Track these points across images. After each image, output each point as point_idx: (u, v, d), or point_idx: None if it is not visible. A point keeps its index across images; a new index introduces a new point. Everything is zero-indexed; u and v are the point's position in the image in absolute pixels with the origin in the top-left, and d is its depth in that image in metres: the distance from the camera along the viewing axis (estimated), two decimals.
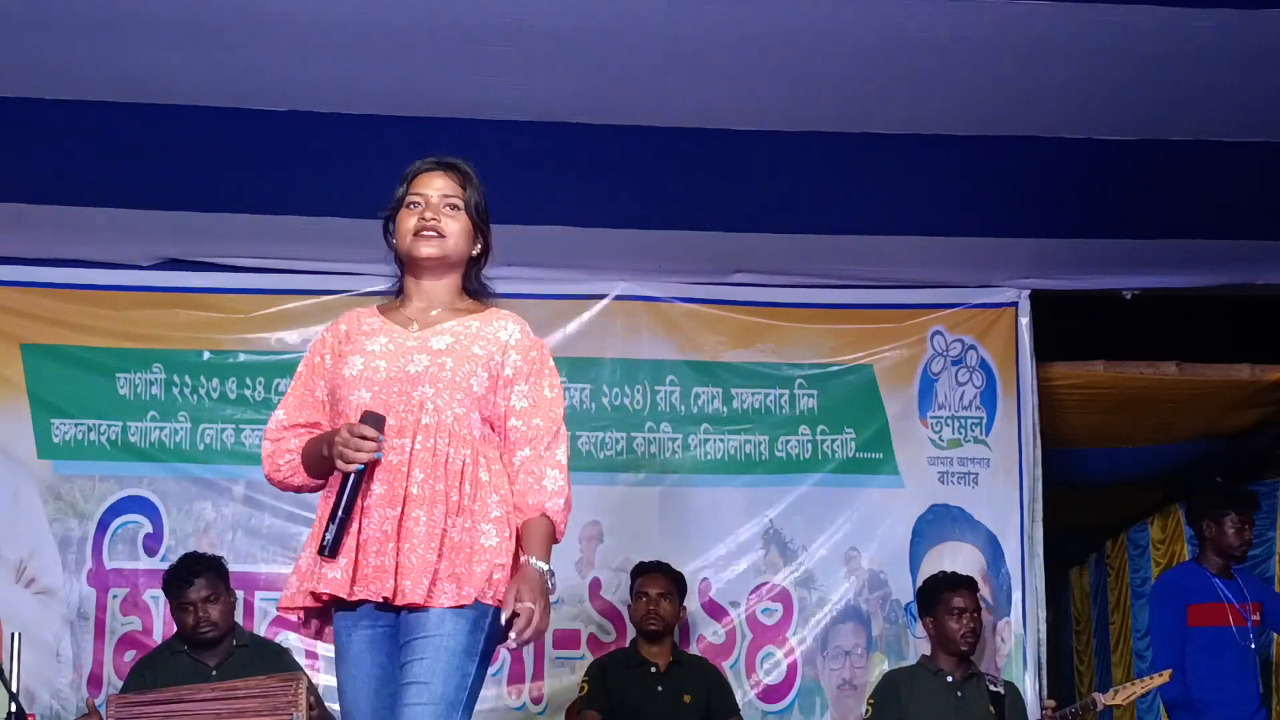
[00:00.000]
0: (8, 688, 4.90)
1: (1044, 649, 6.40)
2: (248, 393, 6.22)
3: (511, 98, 5.01)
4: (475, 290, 3.34)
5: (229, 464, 6.18)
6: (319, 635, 3.32)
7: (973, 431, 6.49)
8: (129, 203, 5.65)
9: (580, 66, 4.83)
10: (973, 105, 5.09)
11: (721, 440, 6.41)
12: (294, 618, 3.31)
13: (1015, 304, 6.53)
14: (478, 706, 3.21)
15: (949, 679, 5.57)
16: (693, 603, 6.21)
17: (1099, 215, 5.91)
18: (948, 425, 6.48)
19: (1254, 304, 6.76)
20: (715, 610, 6.34)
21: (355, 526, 3.09)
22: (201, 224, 5.85)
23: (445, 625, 3.07)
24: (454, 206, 3.30)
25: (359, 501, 3.08)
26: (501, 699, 6.11)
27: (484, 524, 3.12)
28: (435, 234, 3.25)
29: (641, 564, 5.86)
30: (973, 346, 6.54)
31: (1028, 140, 5.31)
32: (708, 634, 6.29)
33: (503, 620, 3.05)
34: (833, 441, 6.44)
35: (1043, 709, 5.85)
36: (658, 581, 5.76)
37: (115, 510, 6.13)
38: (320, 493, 3.29)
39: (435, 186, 3.31)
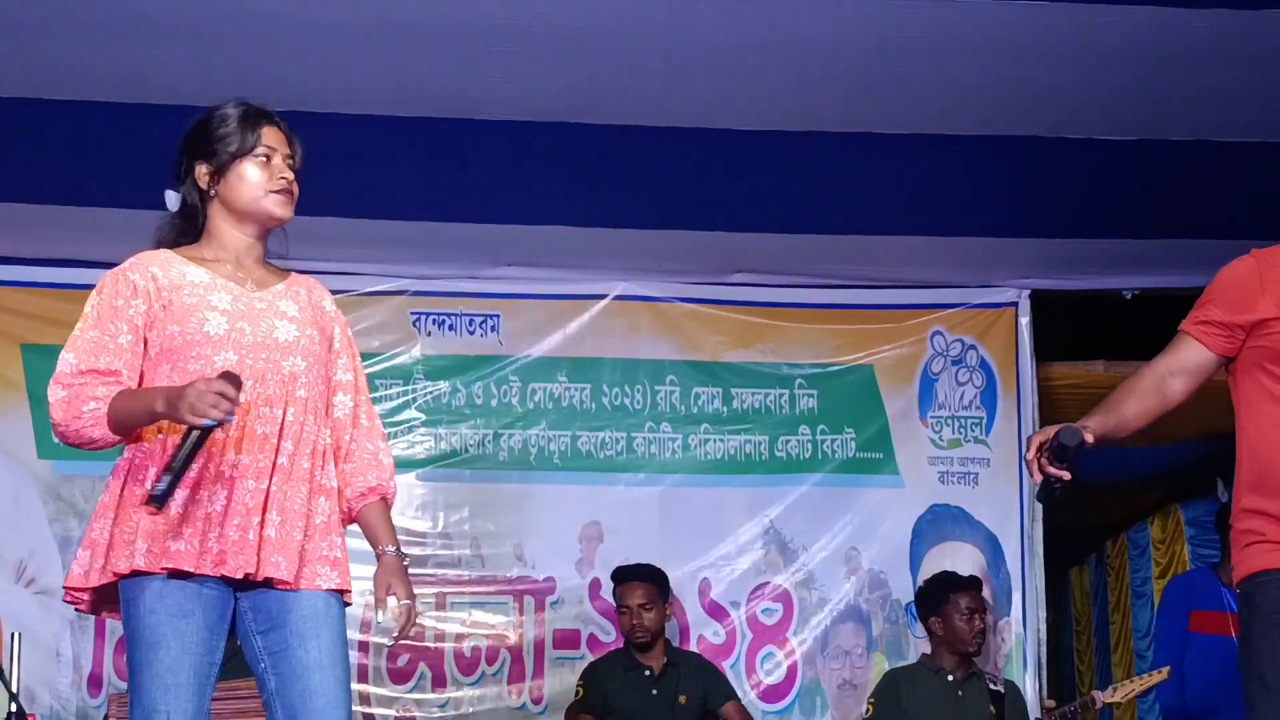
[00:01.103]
0: (8, 688, 4.90)
1: (1044, 649, 6.40)
2: None
3: (511, 98, 5.01)
4: (274, 252, 3.22)
5: None
6: (94, 610, 3.08)
7: (973, 431, 6.49)
8: (129, 203, 5.62)
9: (580, 66, 4.83)
10: (973, 105, 5.09)
11: (721, 440, 6.41)
12: (85, 597, 3.02)
13: (1015, 304, 6.53)
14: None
15: (949, 678, 5.57)
16: (693, 603, 6.21)
17: (1099, 215, 5.90)
18: (948, 425, 6.48)
19: None
20: (715, 610, 6.34)
21: (207, 494, 2.91)
22: None
23: (334, 609, 2.99)
24: (292, 166, 3.16)
25: (193, 465, 2.87)
26: (501, 699, 6.11)
27: (333, 506, 3.06)
28: (291, 195, 3.12)
29: (619, 570, 5.81)
30: (973, 346, 6.54)
31: (1028, 140, 5.31)
32: (708, 634, 6.28)
33: (379, 617, 2.95)
34: (833, 441, 6.44)
35: (1043, 708, 5.85)
36: (636, 591, 5.70)
37: None
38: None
39: (280, 140, 3.14)
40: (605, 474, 6.34)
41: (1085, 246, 6.17)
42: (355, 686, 6.04)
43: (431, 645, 6.06)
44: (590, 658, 6.01)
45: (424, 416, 6.28)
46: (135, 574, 2.91)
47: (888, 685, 5.63)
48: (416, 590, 3.20)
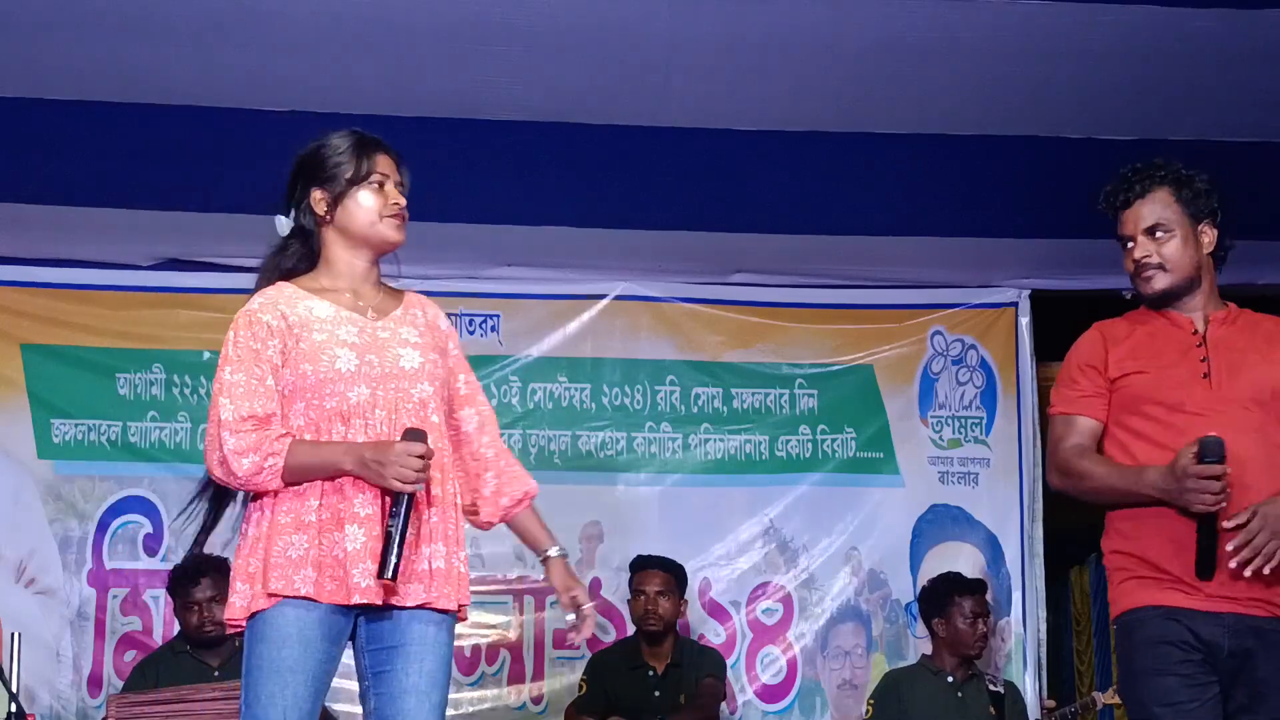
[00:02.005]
0: (8, 688, 4.90)
1: (1044, 649, 6.40)
2: None
3: (511, 98, 5.01)
4: (386, 272, 3.32)
5: None
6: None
7: (973, 431, 6.49)
8: (129, 203, 5.65)
9: (580, 66, 4.83)
10: (973, 105, 5.10)
11: (721, 440, 6.41)
12: (243, 624, 3.09)
13: (1015, 304, 6.53)
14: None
15: (949, 679, 5.57)
16: (693, 603, 6.21)
17: (1099, 215, 5.88)
18: (948, 425, 6.48)
19: (1254, 304, 6.74)
20: (716, 610, 6.34)
21: (360, 536, 3.00)
22: (201, 224, 5.85)
23: (444, 634, 3.09)
24: (403, 191, 3.26)
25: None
26: (501, 699, 6.11)
27: (460, 519, 3.17)
28: (404, 219, 3.22)
29: (639, 558, 5.81)
30: (973, 346, 6.54)
31: (1028, 140, 5.32)
32: (708, 634, 6.28)
33: (568, 620, 3.20)
34: (833, 441, 6.44)
35: (1043, 709, 5.85)
36: (655, 578, 5.71)
37: (115, 510, 6.13)
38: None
39: (391, 167, 3.25)
40: (605, 474, 6.34)
41: (1085, 246, 6.15)
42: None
43: None
44: (589, 658, 6.01)
45: None
46: (272, 595, 3.00)
47: (888, 686, 5.63)
48: None
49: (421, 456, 2.92)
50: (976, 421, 6.50)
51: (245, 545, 3.07)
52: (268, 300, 3.16)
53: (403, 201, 3.21)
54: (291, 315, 3.11)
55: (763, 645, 6.33)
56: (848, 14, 4.54)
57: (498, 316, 6.35)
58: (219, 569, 5.36)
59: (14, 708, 4.85)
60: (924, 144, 5.32)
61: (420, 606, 3.04)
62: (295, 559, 2.99)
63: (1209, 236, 3.62)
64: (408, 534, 2.98)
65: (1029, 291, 6.51)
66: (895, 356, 6.52)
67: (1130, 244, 3.60)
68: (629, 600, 5.83)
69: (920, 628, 5.84)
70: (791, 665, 6.32)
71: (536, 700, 6.16)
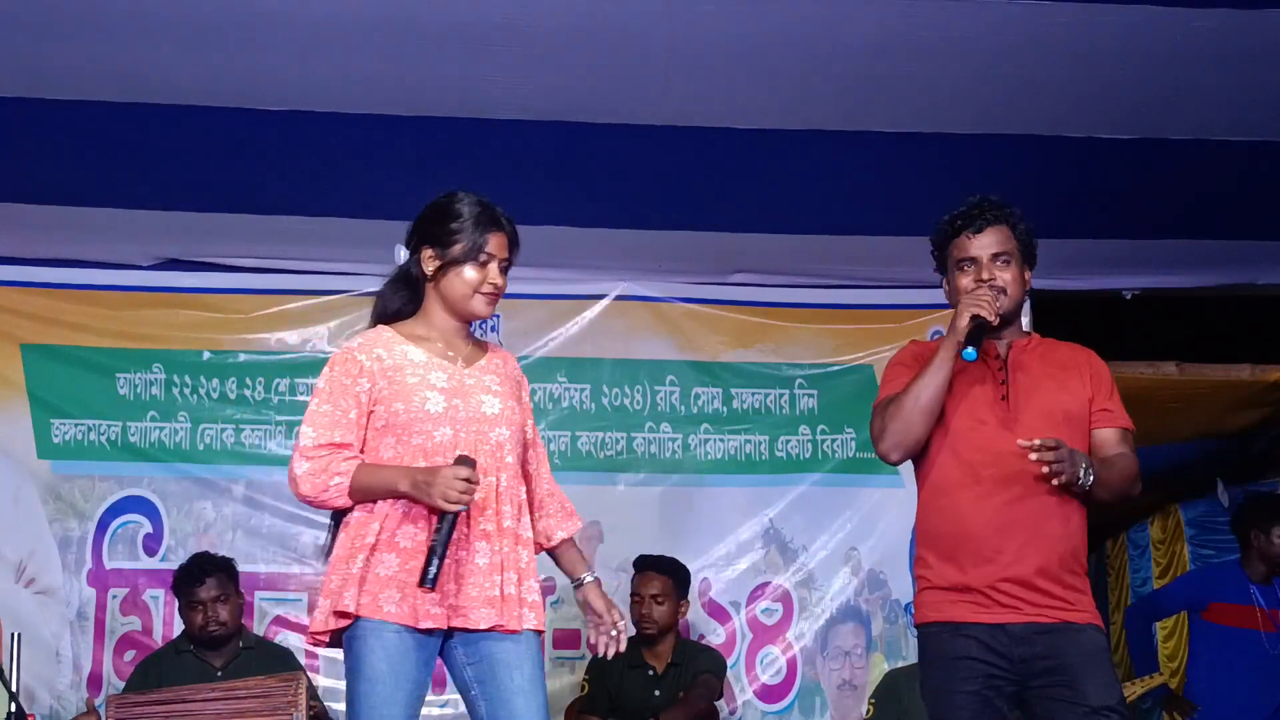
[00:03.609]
0: (8, 688, 4.90)
1: None
2: (247, 393, 6.23)
3: (511, 98, 5.01)
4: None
5: (229, 464, 6.18)
6: (333, 645, 3.43)
7: None
8: (129, 203, 5.65)
9: (580, 66, 4.83)
10: (972, 105, 5.10)
11: (721, 440, 6.41)
12: (325, 638, 3.41)
13: None
14: None
15: None
16: (693, 603, 6.21)
17: (1099, 215, 5.90)
18: None
19: (1254, 304, 6.76)
20: (716, 610, 6.34)
21: (450, 559, 3.29)
22: (201, 224, 5.85)
23: (533, 647, 3.40)
24: (506, 269, 3.50)
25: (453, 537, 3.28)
26: None
27: (531, 554, 3.49)
28: (497, 298, 3.48)
29: (641, 558, 5.81)
30: None
31: (1028, 140, 5.31)
32: (708, 634, 6.28)
33: (611, 635, 3.51)
34: (833, 441, 6.45)
35: None
36: (653, 582, 5.71)
37: (115, 510, 6.13)
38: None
39: (501, 246, 3.46)
40: (605, 474, 6.34)
41: (1085, 246, 6.16)
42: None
43: None
44: (590, 657, 6.01)
45: None
46: (361, 617, 3.30)
47: (889, 685, 5.63)
48: None
49: (467, 480, 3.20)
50: None
51: (331, 564, 3.38)
52: (366, 342, 3.46)
53: (500, 282, 3.46)
54: (387, 359, 3.42)
55: (762, 645, 6.33)
56: (847, 14, 4.54)
57: (498, 317, 6.35)
58: (224, 569, 5.40)
59: (14, 708, 4.86)
60: (924, 143, 5.32)
61: (492, 629, 3.33)
62: (384, 578, 3.30)
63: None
64: (452, 552, 3.27)
65: (1029, 291, 6.49)
66: None
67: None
68: (629, 602, 5.83)
69: None
70: (791, 665, 6.32)
71: None
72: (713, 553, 6.33)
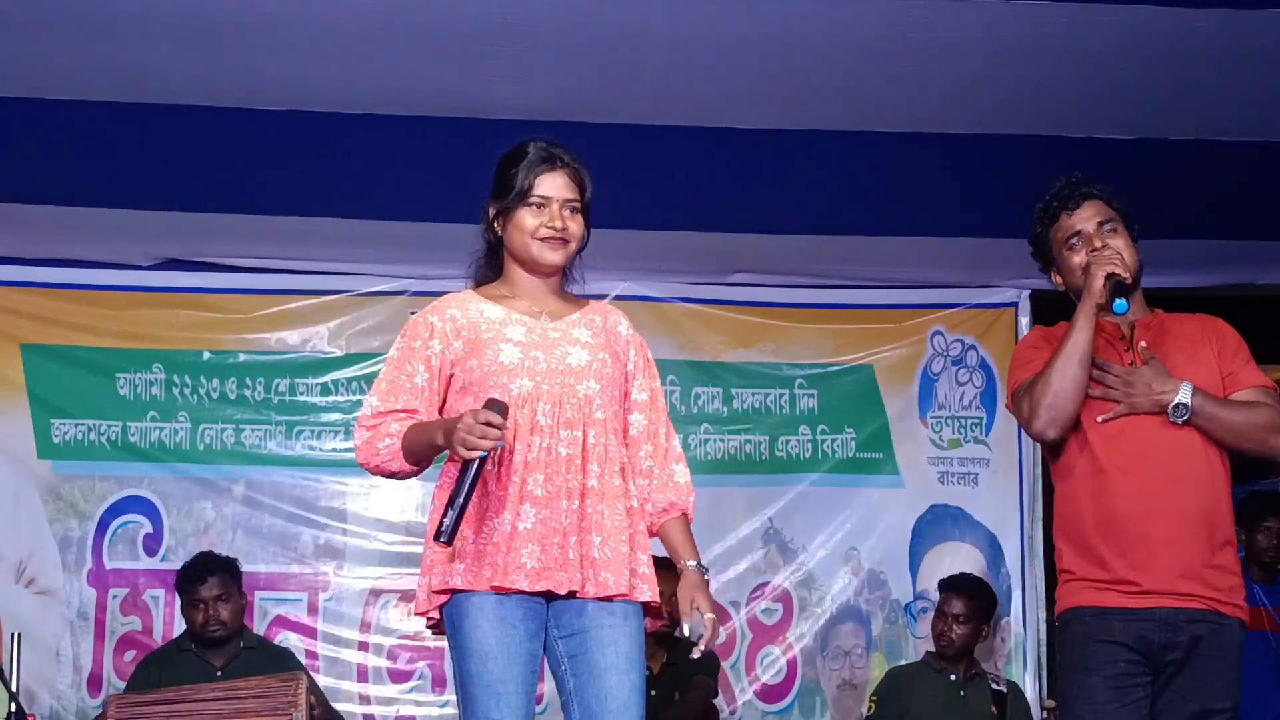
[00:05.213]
0: (8, 688, 4.90)
1: (1044, 649, 6.40)
2: (248, 393, 6.22)
3: (511, 98, 5.01)
4: (569, 280, 3.39)
5: (229, 464, 6.18)
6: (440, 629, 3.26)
7: (973, 432, 6.49)
8: (129, 203, 5.65)
9: (580, 66, 4.83)
10: (972, 104, 5.10)
11: (721, 440, 6.41)
12: (436, 617, 3.22)
13: (1015, 304, 6.53)
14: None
15: (952, 677, 5.57)
16: None
17: None
18: (948, 425, 6.49)
19: (1254, 304, 6.75)
20: (715, 610, 6.32)
21: (529, 517, 3.07)
22: (201, 224, 5.85)
23: (633, 620, 3.17)
24: (574, 210, 3.30)
25: (478, 489, 3.04)
26: None
27: (641, 521, 3.24)
28: (561, 241, 3.26)
29: None
30: (973, 346, 6.54)
31: (1028, 140, 5.31)
32: None
33: (685, 631, 3.25)
34: (833, 441, 6.44)
35: (1044, 710, 5.84)
36: None
37: (115, 510, 6.13)
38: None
39: (557, 187, 3.28)
40: None
41: None
42: (354, 686, 6.05)
43: (431, 645, 6.04)
44: None
45: None
46: (457, 592, 3.09)
47: (890, 683, 5.63)
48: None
49: (489, 424, 2.93)
50: (976, 422, 6.50)
51: (426, 540, 3.16)
52: (441, 304, 3.28)
53: (561, 224, 3.24)
54: (461, 318, 3.22)
55: (762, 645, 6.33)
56: (847, 14, 4.54)
57: None
58: (227, 569, 5.40)
59: (14, 708, 4.86)
60: (924, 143, 5.32)
61: (586, 598, 3.11)
62: (471, 548, 3.09)
63: None
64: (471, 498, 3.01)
65: (1029, 291, 6.51)
66: (895, 357, 6.52)
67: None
68: None
69: (920, 627, 5.84)
70: (791, 665, 6.32)
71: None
72: (712, 553, 6.32)
